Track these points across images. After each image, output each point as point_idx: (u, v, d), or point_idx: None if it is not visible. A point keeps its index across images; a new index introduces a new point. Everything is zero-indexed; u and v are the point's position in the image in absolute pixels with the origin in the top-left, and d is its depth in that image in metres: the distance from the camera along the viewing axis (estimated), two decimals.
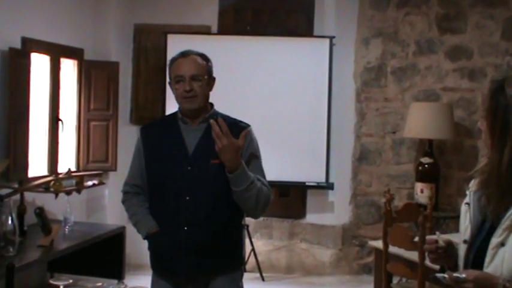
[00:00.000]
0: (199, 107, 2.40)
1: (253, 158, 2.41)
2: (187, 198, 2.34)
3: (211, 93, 2.47)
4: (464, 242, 1.77)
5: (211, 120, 2.25)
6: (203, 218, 2.35)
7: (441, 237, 1.83)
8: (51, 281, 4.05)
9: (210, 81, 2.44)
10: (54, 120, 4.58)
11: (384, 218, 3.66)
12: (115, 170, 4.97)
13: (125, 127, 5.21)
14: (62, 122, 4.62)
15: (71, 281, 3.95)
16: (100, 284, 4.18)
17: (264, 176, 2.44)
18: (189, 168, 2.35)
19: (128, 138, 5.02)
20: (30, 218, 3.75)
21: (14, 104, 4.00)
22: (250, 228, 4.86)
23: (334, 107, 5.05)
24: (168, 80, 2.48)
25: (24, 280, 3.77)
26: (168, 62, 2.48)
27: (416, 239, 3.24)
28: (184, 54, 2.42)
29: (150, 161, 2.45)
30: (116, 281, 4.21)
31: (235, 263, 2.50)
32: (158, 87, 5.17)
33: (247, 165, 2.36)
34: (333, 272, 5.23)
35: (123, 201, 2.58)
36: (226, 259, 2.44)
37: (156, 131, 2.51)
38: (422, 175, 4.66)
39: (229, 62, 4.86)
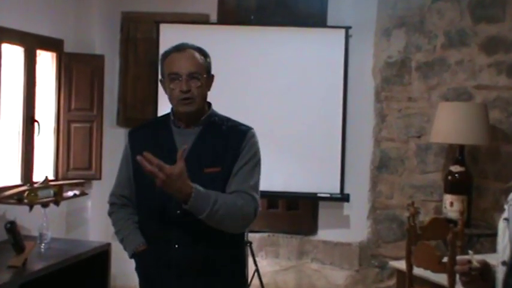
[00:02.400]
0: (197, 109, 2.40)
1: (245, 163, 2.39)
2: (178, 212, 2.33)
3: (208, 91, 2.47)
4: (503, 263, 1.76)
5: (138, 157, 2.18)
6: (197, 234, 2.34)
7: (475, 258, 1.81)
8: None
9: (209, 79, 2.44)
10: (29, 121, 4.57)
11: (407, 235, 3.64)
12: (99, 178, 4.96)
13: (111, 130, 5.21)
14: (38, 124, 4.61)
15: None
16: None
17: (249, 181, 2.38)
18: None
19: (114, 142, 5.03)
20: None
21: None
22: (254, 246, 4.85)
23: (350, 108, 5.04)
24: (159, 77, 2.47)
25: None
26: (160, 56, 2.48)
27: (445, 259, 3.22)
28: (180, 48, 2.41)
29: (138, 170, 2.44)
30: None
31: (236, 286, 2.49)
32: (149, 84, 5.17)
33: (237, 172, 2.36)
34: None
35: (110, 214, 2.60)
36: (226, 281, 2.44)
37: (146, 134, 2.51)
38: (452, 186, 4.63)
39: (230, 56, 4.86)
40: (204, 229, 2.33)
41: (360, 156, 5.18)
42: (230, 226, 2.34)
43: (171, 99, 2.42)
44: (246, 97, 4.96)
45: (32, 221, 4.12)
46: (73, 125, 4.92)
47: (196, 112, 2.41)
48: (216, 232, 2.34)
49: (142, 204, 2.46)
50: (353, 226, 5.27)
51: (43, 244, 3.95)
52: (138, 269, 2.49)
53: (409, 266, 3.54)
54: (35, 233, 4.05)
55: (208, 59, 2.45)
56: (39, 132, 4.63)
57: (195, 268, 2.35)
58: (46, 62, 4.86)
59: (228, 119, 2.51)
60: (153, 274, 2.41)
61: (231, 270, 2.45)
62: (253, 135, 2.46)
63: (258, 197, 2.41)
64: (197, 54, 2.41)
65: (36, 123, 4.60)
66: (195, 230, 2.33)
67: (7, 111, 4.36)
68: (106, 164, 4.93)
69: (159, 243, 2.38)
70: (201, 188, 2.24)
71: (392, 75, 5.17)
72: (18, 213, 3.99)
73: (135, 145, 2.49)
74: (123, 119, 5.34)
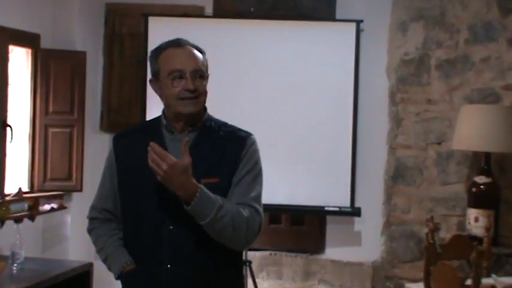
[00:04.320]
0: (199, 111, 2.40)
1: (246, 173, 2.40)
2: (171, 227, 2.33)
3: None
4: None
5: (149, 148, 2.20)
6: (190, 253, 2.33)
7: (499, 281, 1.81)
8: None
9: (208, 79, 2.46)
10: (1, 126, 4.57)
11: (425, 254, 3.64)
12: (80, 190, 4.96)
13: (93, 135, 5.22)
14: (11, 129, 4.61)
15: None
16: None
17: (251, 193, 2.39)
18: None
19: (97, 149, 5.04)
20: None
21: None
22: (254, 265, 4.84)
23: (361, 111, 5.05)
24: (149, 77, 2.47)
25: None
26: (150, 53, 2.47)
27: (469, 282, 3.22)
28: (178, 44, 2.41)
29: (124, 180, 2.45)
30: None
31: None
32: (136, 84, 5.18)
33: (238, 183, 2.36)
34: None
35: (90, 230, 2.59)
36: None
37: (133, 141, 2.50)
38: (477, 199, 4.63)
39: (227, 52, 4.87)
40: (199, 247, 2.32)
41: (372, 165, 5.18)
42: (232, 239, 2.32)
43: (169, 100, 2.39)
44: (244, 99, 4.96)
45: (3, 238, 4.11)
46: (51, 130, 4.92)
47: (198, 114, 2.41)
48: (213, 250, 2.34)
49: (129, 218, 2.44)
50: (365, 244, 5.27)
51: (15, 264, 3.93)
52: None
53: None
54: (7, 252, 4.03)
55: (205, 57, 2.46)
56: (12, 138, 4.62)
57: None
58: (20, 59, 4.86)
59: (225, 124, 2.50)
60: None
61: None
62: (254, 142, 2.46)
63: (261, 210, 2.41)
64: (196, 51, 2.42)
65: (8, 128, 4.60)
66: (189, 248, 2.33)
67: None
68: (88, 174, 4.93)
69: (149, 263, 2.37)
70: (206, 189, 2.24)
71: (409, 75, 5.16)
72: None
73: (120, 152, 2.48)
74: (107, 124, 5.35)
